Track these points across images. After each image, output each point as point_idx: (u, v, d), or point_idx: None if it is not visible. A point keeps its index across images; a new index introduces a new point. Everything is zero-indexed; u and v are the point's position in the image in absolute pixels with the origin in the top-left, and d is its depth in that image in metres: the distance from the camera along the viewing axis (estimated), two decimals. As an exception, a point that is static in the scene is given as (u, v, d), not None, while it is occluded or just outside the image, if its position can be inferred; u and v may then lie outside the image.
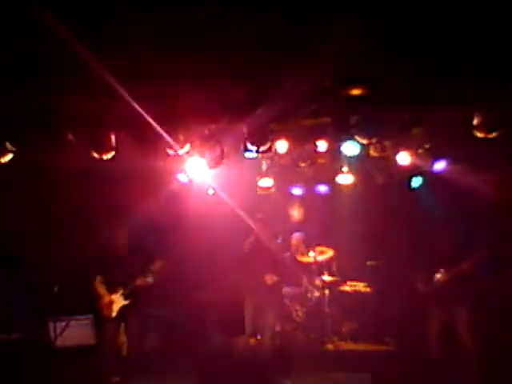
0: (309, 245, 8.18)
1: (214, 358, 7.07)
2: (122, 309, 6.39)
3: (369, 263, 8.43)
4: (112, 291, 6.40)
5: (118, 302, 6.38)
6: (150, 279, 6.42)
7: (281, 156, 6.93)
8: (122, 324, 6.59)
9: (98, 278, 6.48)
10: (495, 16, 4.13)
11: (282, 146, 6.48)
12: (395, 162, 6.87)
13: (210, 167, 7.24)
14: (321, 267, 8.11)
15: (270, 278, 6.65)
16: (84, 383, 6.43)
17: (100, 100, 5.50)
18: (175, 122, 6.02)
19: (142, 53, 4.62)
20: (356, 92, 5.44)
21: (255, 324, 7.04)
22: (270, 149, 6.32)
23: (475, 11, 4.07)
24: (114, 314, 6.39)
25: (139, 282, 6.35)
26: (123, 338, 6.87)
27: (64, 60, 4.59)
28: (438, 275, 6.13)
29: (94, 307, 6.58)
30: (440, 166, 6.95)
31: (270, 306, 6.77)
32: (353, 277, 8.34)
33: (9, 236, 7.57)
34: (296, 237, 8.34)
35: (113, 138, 6.06)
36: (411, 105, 5.64)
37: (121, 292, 6.37)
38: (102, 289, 6.44)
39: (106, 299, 6.40)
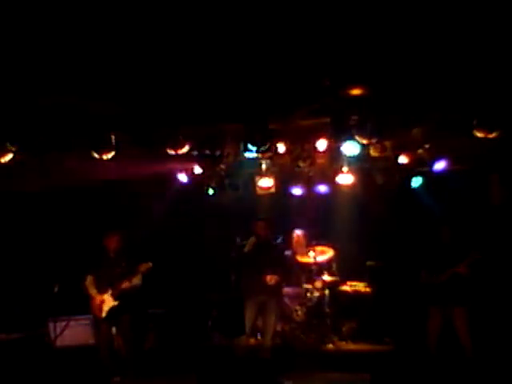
0: (309, 245, 8.18)
1: (214, 357, 7.06)
2: (112, 309, 6.38)
3: (369, 263, 8.42)
4: (102, 292, 6.41)
5: (108, 302, 6.38)
6: (138, 281, 6.41)
7: (281, 156, 6.93)
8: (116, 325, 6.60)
9: (89, 278, 6.49)
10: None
11: (281, 146, 6.48)
12: (395, 162, 6.88)
13: (210, 167, 7.29)
14: (321, 267, 8.10)
15: (271, 279, 6.64)
16: (84, 383, 6.43)
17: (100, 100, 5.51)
18: (175, 121, 6.03)
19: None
20: (356, 92, 5.45)
21: (255, 324, 7.03)
22: (269, 149, 6.32)
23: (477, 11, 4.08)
24: (103, 315, 6.38)
25: (127, 283, 6.34)
26: (120, 339, 6.86)
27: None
28: (438, 275, 6.13)
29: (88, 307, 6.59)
30: (440, 165, 6.96)
31: (272, 306, 6.76)
32: (353, 277, 8.33)
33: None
34: (297, 233, 8.33)
35: (113, 138, 6.07)
36: (411, 105, 5.64)
37: (110, 292, 6.38)
38: (92, 289, 6.45)
39: (97, 300, 6.41)
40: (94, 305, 6.43)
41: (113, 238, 6.59)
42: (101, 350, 6.49)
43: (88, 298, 6.49)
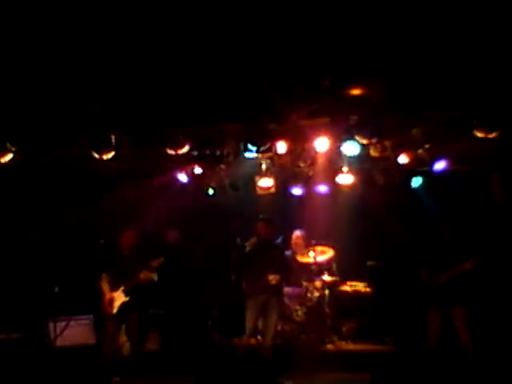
0: (308, 245, 8.17)
1: (214, 357, 7.06)
2: (123, 306, 6.41)
3: (369, 263, 8.43)
4: (114, 288, 6.44)
5: (119, 298, 6.42)
6: (154, 276, 6.46)
7: (281, 156, 6.92)
8: (123, 324, 6.61)
9: (104, 277, 6.53)
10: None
11: (281, 146, 6.48)
12: (395, 162, 6.88)
13: (210, 167, 7.29)
14: (321, 267, 8.10)
15: (273, 278, 6.63)
16: (84, 383, 6.43)
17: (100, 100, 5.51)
18: (175, 121, 6.03)
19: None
20: (356, 92, 5.45)
21: (256, 324, 7.03)
22: (270, 149, 6.32)
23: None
24: (114, 311, 6.41)
25: (141, 276, 6.39)
26: (124, 338, 6.87)
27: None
28: (438, 275, 6.13)
29: (96, 305, 6.61)
30: (440, 165, 6.96)
31: (273, 306, 6.76)
32: (353, 277, 8.33)
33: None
34: (296, 234, 8.32)
35: (113, 138, 6.07)
36: (411, 105, 5.63)
37: (122, 289, 6.41)
38: (106, 287, 6.50)
39: (108, 296, 6.44)
40: (104, 301, 6.46)
41: (128, 235, 6.66)
42: (104, 347, 6.51)
43: (97, 295, 6.53)
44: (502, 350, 6.36)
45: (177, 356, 7.33)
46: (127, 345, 6.89)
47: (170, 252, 8.22)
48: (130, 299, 6.42)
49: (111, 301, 6.42)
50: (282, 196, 8.38)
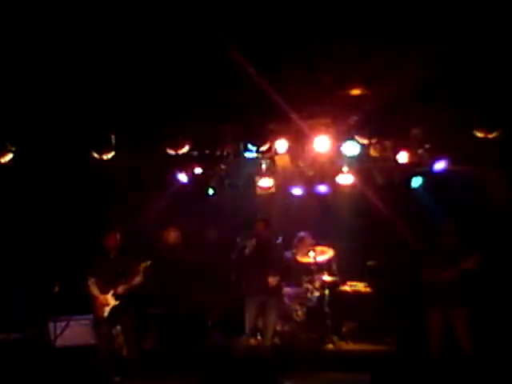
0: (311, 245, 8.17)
1: (214, 358, 7.06)
2: (114, 309, 6.38)
3: (369, 263, 8.43)
4: (104, 292, 6.41)
5: (110, 302, 6.39)
6: (139, 279, 6.40)
7: (281, 156, 6.93)
8: (118, 325, 6.60)
9: (91, 280, 6.49)
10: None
11: (281, 146, 6.48)
12: (395, 162, 6.88)
13: (210, 167, 7.29)
14: (321, 267, 8.10)
15: (273, 280, 6.63)
16: (84, 383, 6.43)
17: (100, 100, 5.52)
18: (175, 121, 6.03)
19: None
20: (356, 92, 5.45)
21: (255, 324, 7.03)
22: (269, 149, 6.33)
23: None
24: (105, 315, 6.38)
25: (127, 285, 6.34)
26: (122, 339, 6.85)
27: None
28: (440, 272, 6.12)
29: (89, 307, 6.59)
30: (440, 165, 6.96)
31: (272, 305, 6.76)
32: (353, 277, 8.34)
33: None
34: (303, 235, 8.29)
35: (113, 138, 6.07)
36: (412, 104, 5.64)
37: (111, 293, 6.38)
38: (95, 290, 6.45)
39: (99, 300, 6.40)
40: (96, 305, 6.43)
41: (111, 237, 6.56)
42: (100, 350, 6.47)
43: (89, 299, 6.48)
44: (502, 351, 6.36)
45: (177, 356, 7.34)
46: (125, 345, 6.86)
47: (170, 252, 8.26)
48: (120, 303, 6.37)
49: (102, 305, 6.36)
50: (282, 196, 8.39)
